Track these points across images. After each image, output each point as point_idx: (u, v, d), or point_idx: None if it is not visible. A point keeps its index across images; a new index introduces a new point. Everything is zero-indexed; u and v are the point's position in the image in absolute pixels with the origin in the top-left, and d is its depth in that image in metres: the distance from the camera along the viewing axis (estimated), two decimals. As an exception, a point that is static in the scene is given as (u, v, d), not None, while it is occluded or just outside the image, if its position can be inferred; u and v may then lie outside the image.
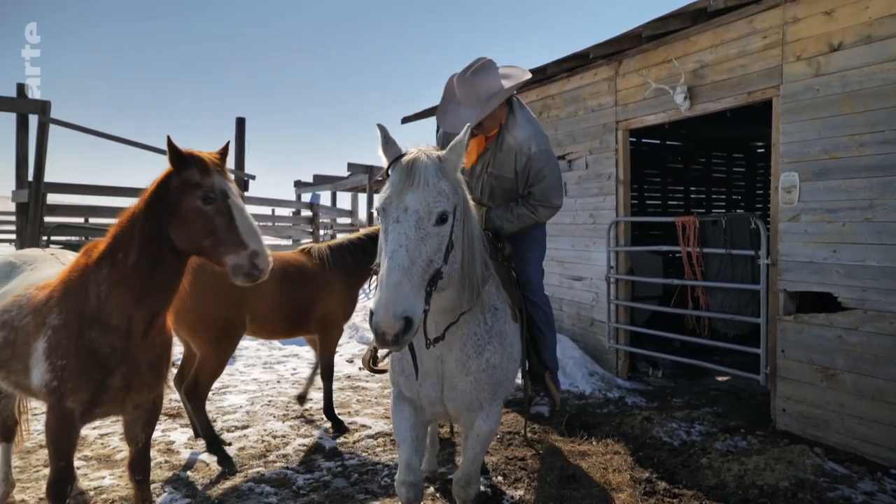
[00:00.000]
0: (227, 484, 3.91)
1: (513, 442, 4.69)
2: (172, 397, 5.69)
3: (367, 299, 8.32)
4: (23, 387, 2.86)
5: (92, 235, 7.92)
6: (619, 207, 6.53)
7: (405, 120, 9.85)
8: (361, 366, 3.95)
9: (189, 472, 4.12)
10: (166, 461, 4.30)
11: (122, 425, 3.02)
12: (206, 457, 4.34)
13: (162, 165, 2.67)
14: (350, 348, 8.23)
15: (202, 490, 3.85)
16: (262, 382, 6.50)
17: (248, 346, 7.96)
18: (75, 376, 2.60)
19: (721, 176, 12.39)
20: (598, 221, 6.77)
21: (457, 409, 2.71)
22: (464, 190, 2.35)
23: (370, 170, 18.05)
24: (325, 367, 5.09)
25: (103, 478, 4.00)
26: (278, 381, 6.57)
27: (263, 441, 4.73)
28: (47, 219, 7.92)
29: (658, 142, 11.07)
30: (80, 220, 10.98)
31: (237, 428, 5.03)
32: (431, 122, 9.59)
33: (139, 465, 3.00)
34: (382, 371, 2.95)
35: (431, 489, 3.84)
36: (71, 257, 3.10)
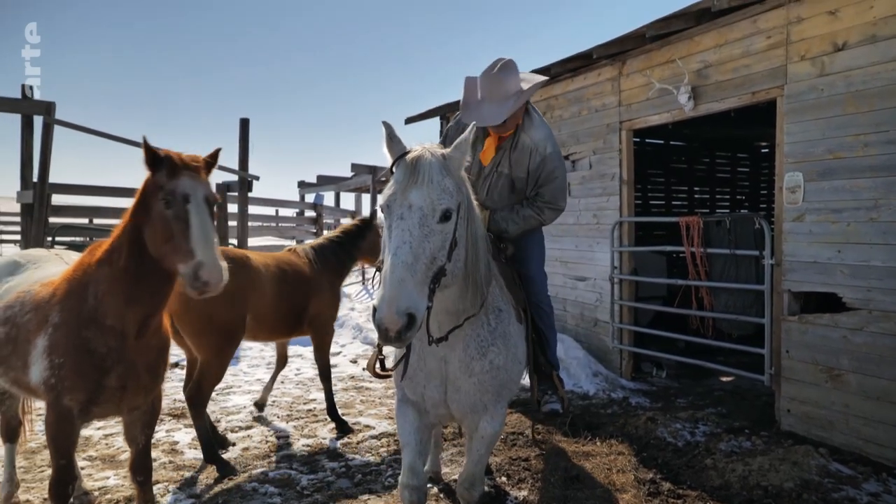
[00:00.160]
0: (231, 484, 3.92)
1: (517, 442, 4.68)
2: (176, 398, 5.71)
3: (370, 298, 8.33)
4: (21, 384, 2.86)
5: (96, 236, 7.95)
6: (622, 208, 6.52)
7: (409, 120, 9.85)
8: (366, 368, 3.95)
9: (193, 473, 4.13)
10: (170, 461, 4.31)
11: (122, 427, 3.02)
12: (210, 457, 4.35)
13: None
14: (354, 349, 8.24)
15: (206, 490, 3.85)
16: (264, 383, 6.50)
17: (252, 347, 7.98)
18: (72, 375, 2.61)
19: (725, 176, 12.37)
20: (601, 222, 6.77)
21: (461, 411, 2.70)
22: (467, 188, 2.35)
23: (374, 170, 18.06)
24: (322, 367, 5.10)
25: (108, 478, 4.01)
26: (282, 382, 6.58)
27: (267, 441, 4.74)
28: (52, 219, 7.95)
29: (662, 142, 11.05)
30: (85, 220, 11.00)
31: (241, 428, 5.04)
32: (435, 122, 9.61)
33: (140, 467, 3.00)
34: (387, 376, 2.95)
35: (435, 490, 3.84)
36: (75, 257, 3.11)
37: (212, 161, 2.69)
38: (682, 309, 6.40)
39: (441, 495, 3.80)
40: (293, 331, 4.90)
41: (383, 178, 14.83)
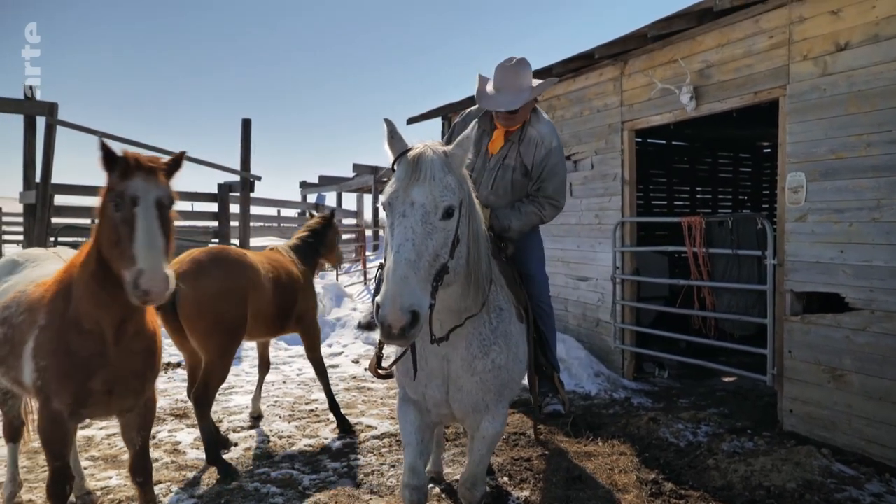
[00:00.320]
0: (233, 484, 3.92)
1: (518, 442, 4.68)
2: (178, 398, 5.72)
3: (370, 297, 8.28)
4: (20, 384, 2.85)
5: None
6: (624, 208, 6.52)
7: (411, 121, 9.86)
8: (367, 369, 3.95)
9: (195, 473, 4.13)
10: (172, 461, 4.31)
11: (119, 429, 3.01)
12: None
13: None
14: (356, 349, 8.24)
15: (208, 490, 3.86)
16: (267, 383, 6.51)
17: (253, 347, 7.97)
18: (57, 378, 2.58)
19: (727, 176, 12.35)
20: (603, 222, 6.76)
21: (462, 411, 2.70)
22: (469, 185, 2.35)
23: (375, 170, 18.09)
24: (317, 364, 5.16)
25: (110, 478, 4.02)
26: (284, 382, 6.59)
27: (270, 441, 4.74)
28: (55, 220, 7.97)
29: (664, 142, 11.04)
30: (87, 221, 11.02)
31: (243, 428, 5.04)
32: (437, 123, 9.61)
33: (139, 468, 2.99)
34: (388, 377, 2.94)
35: (437, 490, 3.84)
36: (72, 255, 3.11)
37: (175, 164, 2.58)
38: (684, 309, 6.39)
39: (443, 495, 3.80)
40: (282, 329, 4.98)
41: (385, 179, 14.84)
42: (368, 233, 19.18)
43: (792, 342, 4.78)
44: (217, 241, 10.88)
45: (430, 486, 3.76)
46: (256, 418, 5.28)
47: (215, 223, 11.33)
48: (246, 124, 10.91)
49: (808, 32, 4.61)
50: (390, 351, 3.11)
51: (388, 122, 2.30)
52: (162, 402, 5.61)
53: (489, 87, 3.23)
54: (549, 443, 4.67)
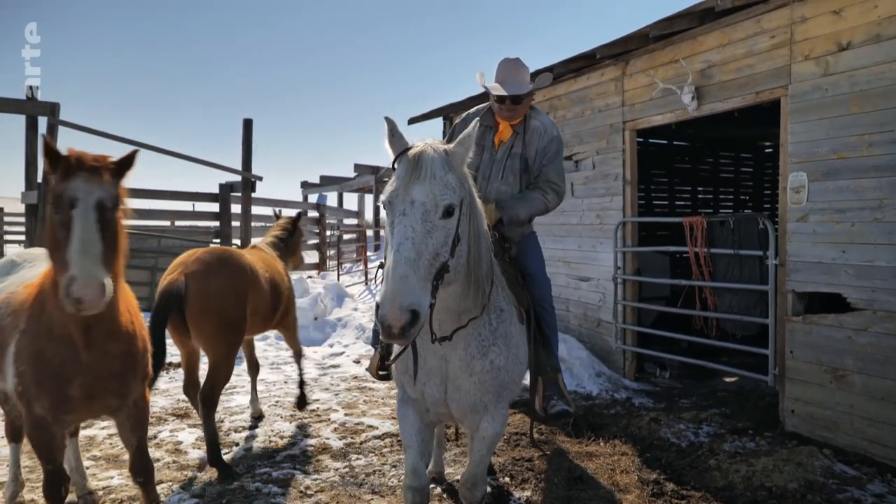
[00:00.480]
0: (235, 484, 3.92)
1: (520, 443, 4.68)
2: (179, 398, 5.72)
3: (372, 298, 8.30)
4: (5, 388, 2.82)
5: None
6: (626, 208, 6.51)
7: (412, 121, 9.86)
8: (368, 369, 3.96)
9: (197, 473, 4.13)
10: (174, 461, 4.31)
11: (116, 429, 3.00)
12: (213, 457, 4.35)
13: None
14: (357, 349, 8.24)
15: (210, 490, 3.86)
16: (269, 383, 6.52)
17: (255, 347, 7.97)
18: (34, 384, 2.54)
19: (729, 176, 12.34)
20: (604, 222, 6.76)
21: (460, 411, 2.69)
22: (470, 184, 2.34)
23: (376, 170, 18.11)
24: (297, 351, 5.50)
25: (112, 478, 4.02)
26: (285, 382, 6.59)
27: (271, 441, 4.74)
28: (56, 220, 7.97)
29: (665, 142, 11.03)
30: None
31: (244, 428, 5.05)
32: (438, 123, 9.61)
33: (139, 468, 2.98)
34: (389, 377, 2.95)
35: (438, 490, 3.84)
36: None
37: (125, 162, 2.45)
38: (686, 309, 6.39)
39: (444, 495, 3.80)
40: (270, 325, 5.10)
41: (385, 179, 14.86)
42: (370, 233, 19.21)
43: (794, 342, 4.78)
44: (218, 241, 10.90)
45: (432, 486, 3.76)
46: (258, 418, 5.29)
47: (217, 223, 11.36)
48: (247, 124, 10.93)
49: (809, 32, 4.60)
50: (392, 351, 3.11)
51: (389, 121, 2.29)
52: (163, 402, 5.62)
53: (493, 82, 3.34)
54: (551, 443, 4.67)
